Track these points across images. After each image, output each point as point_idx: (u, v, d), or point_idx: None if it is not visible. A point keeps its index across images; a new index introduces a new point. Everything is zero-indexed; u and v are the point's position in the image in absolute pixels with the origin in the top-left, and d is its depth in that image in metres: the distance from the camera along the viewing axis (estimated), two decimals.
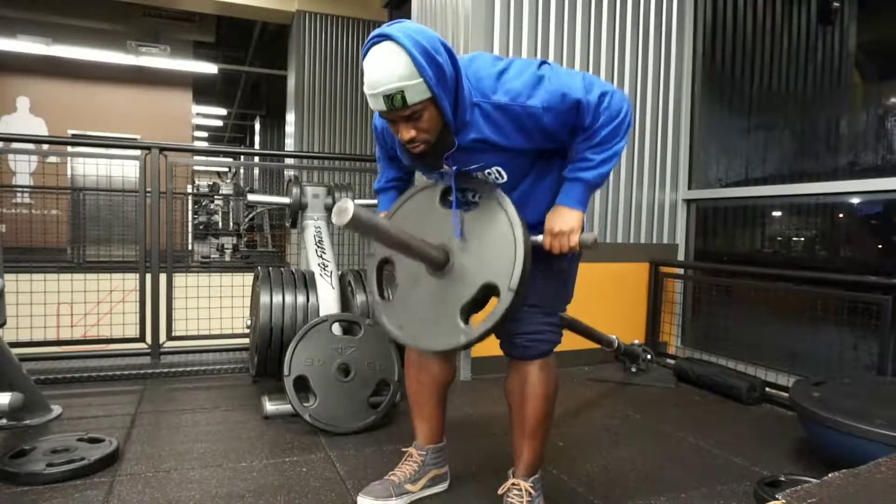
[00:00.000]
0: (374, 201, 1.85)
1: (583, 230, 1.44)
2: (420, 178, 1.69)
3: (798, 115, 3.31)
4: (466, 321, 1.37)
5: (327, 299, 2.56)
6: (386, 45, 1.24)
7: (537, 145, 1.43)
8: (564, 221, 1.42)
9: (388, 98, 1.25)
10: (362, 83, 1.30)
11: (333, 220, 1.16)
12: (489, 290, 1.36)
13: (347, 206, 1.16)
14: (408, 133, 1.33)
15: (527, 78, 1.36)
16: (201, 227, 10.35)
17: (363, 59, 1.28)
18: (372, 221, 1.25)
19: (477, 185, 1.46)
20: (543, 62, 1.42)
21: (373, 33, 1.27)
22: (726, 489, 1.86)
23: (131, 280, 3.37)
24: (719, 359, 3.24)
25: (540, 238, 1.44)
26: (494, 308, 1.33)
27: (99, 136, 8.33)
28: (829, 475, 0.86)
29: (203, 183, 13.14)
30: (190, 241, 7.82)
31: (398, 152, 1.54)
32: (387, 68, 1.23)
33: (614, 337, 2.89)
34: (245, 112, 13.87)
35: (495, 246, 1.36)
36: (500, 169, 1.46)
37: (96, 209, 6.79)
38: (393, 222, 1.50)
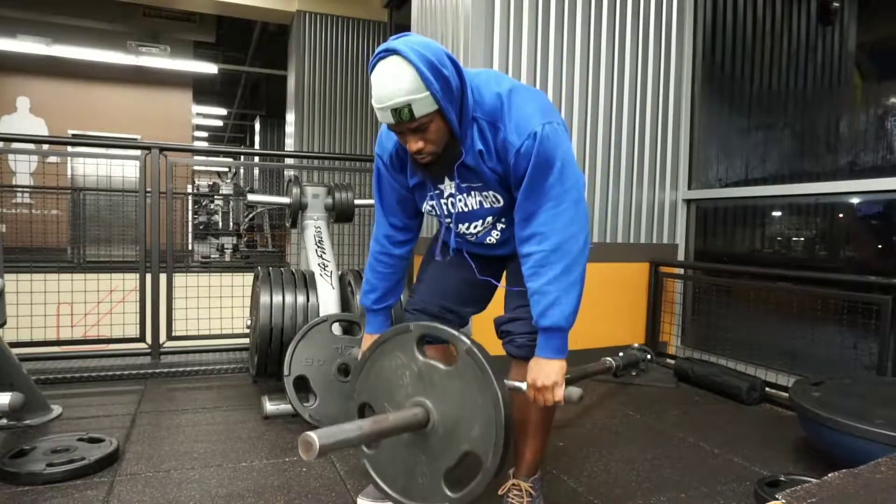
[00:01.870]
0: (372, 201, 1.83)
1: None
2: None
3: (798, 115, 3.31)
4: (450, 486, 1.33)
5: (327, 299, 2.56)
6: (393, 60, 1.25)
7: (506, 182, 1.41)
8: (547, 375, 1.39)
9: (396, 112, 1.26)
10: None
11: (302, 455, 1.13)
12: (470, 457, 1.32)
13: (310, 442, 1.10)
14: (415, 144, 1.34)
15: (524, 114, 1.35)
16: (201, 227, 10.35)
17: (370, 72, 1.29)
18: (339, 441, 1.20)
19: (456, 341, 1.35)
20: (552, 118, 1.37)
21: (379, 48, 1.27)
22: (726, 489, 1.86)
23: (131, 280, 3.37)
24: (719, 359, 3.24)
25: (524, 386, 1.42)
26: (478, 478, 1.29)
27: (99, 136, 8.34)
28: (829, 475, 0.85)
29: (203, 183, 13.14)
30: (190, 241, 7.82)
31: (408, 166, 1.53)
32: (394, 82, 1.24)
33: (609, 359, 2.88)
34: (245, 112, 13.88)
35: (475, 410, 1.30)
36: (496, 194, 1.46)
37: (96, 209, 6.78)
38: (365, 376, 1.46)
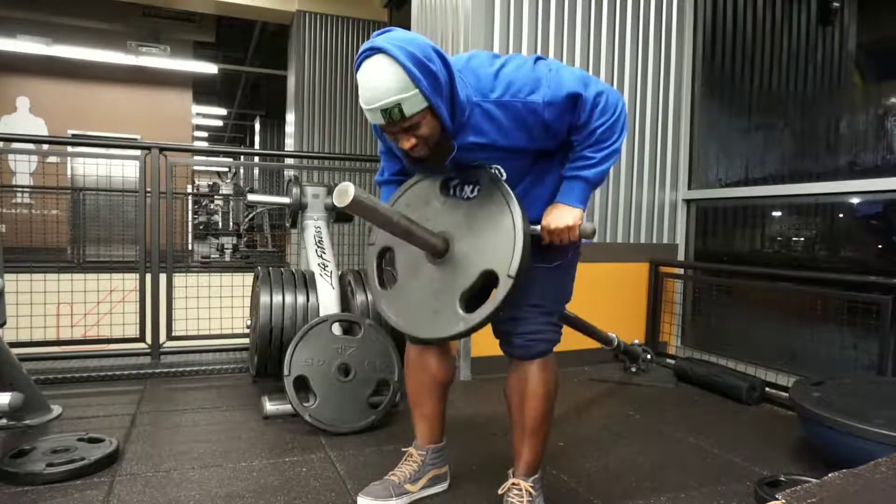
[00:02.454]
0: None
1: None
2: None
3: (798, 115, 3.31)
4: (466, 309, 1.37)
5: (327, 299, 2.56)
6: (378, 59, 1.23)
7: (538, 143, 1.42)
8: (562, 219, 1.41)
9: (386, 112, 1.25)
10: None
11: (334, 201, 1.17)
12: (488, 278, 1.36)
13: (348, 189, 1.16)
14: (408, 142, 1.33)
15: (526, 74, 1.36)
16: (201, 227, 10.35)
17: (356, 72, 1.27)
18: (372, 203, 1.26)
19: (477, 175, 1.46)
20: (539, 58, 1.42)
21: (363, 46, 1.26)
22: (726, 489, 1.86)
23: (131, 280, 3.37)
24: (719, 359, 3.24)
25: (538, 228, 1.44)
26: (493, 295, 1.34)
27: (99, 136, 8.34)
28: (829, 475, 0.85)
29: (203, 183, 13.14)
30: (190, 241, 7.82)
31: (397, 154, 1.55)
32: (381, 83, 1.22)
33: (614, 335, 2.90)
34: (245, 112, 13.87)
35: (495, 234, 1.36)
36: (499, 167, 1.46)
37: (96, 209, 6.78)
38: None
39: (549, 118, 1.36)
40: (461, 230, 1.41)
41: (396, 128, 1.30)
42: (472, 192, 1.48)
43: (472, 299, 1.40)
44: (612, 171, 3.44)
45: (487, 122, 1.37)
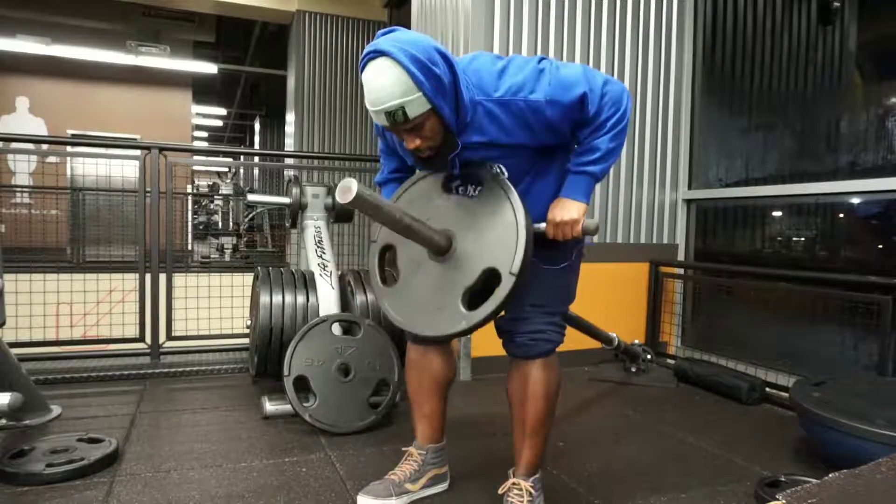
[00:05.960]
0: None
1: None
2: None
3: (798, 115, 3.31)
4: (468, 307, 1.38)
5: (327, 299, 2.56)
6: (381, 62, 1.24)
7: (540, 141, 1.43)
8: (568, 212, 1.43)
9: (390, 115, 1.27)
10: (363, 89, 1.31)
11: (337, 197, 1.18)
12: (491, 275, 1.37)
13: (351, 185, 1.17)
14: (412, 143, 1.35)
15: (528, 73, 1.37)
16: (201, 227, 10.34)
17: (361, 73, 1.29)
18: (375, 200, 1.27)
19: (480, 173, 1.47)
20: (543, 57, 1.43)
21: (368, 48, 1.27)
22: (726, 489, 1.86)
23: (131, 280, 3.37)
24: (719, 359, 3.24)
25: (543, 226, 1.45)
26: (495, 292, 1.34)
27: (98, 136, 8.33)
28: (829, 475, 0.85)
29: (203, 183, 13.13)
30: (190, 241, 7.82)
31: (402, 153, 1.56)
32: (385, 86, 1.24)
33: (614, 335, 2.90)
34: (245, 112, 13.87)
35: (497, 232, 1.37)
36: (500, 166, 1.47)
37: (96, 209, 6.78)
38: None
39: (552, 116, 1.37)
40: (464, 228, 1.42)
41: (400, 129, 1.32)
42: (474, 189, 1.49)
43: (474, 297, 1.40)
44: (612, 170, 3.45)
45: (490, 121, 1.38)
